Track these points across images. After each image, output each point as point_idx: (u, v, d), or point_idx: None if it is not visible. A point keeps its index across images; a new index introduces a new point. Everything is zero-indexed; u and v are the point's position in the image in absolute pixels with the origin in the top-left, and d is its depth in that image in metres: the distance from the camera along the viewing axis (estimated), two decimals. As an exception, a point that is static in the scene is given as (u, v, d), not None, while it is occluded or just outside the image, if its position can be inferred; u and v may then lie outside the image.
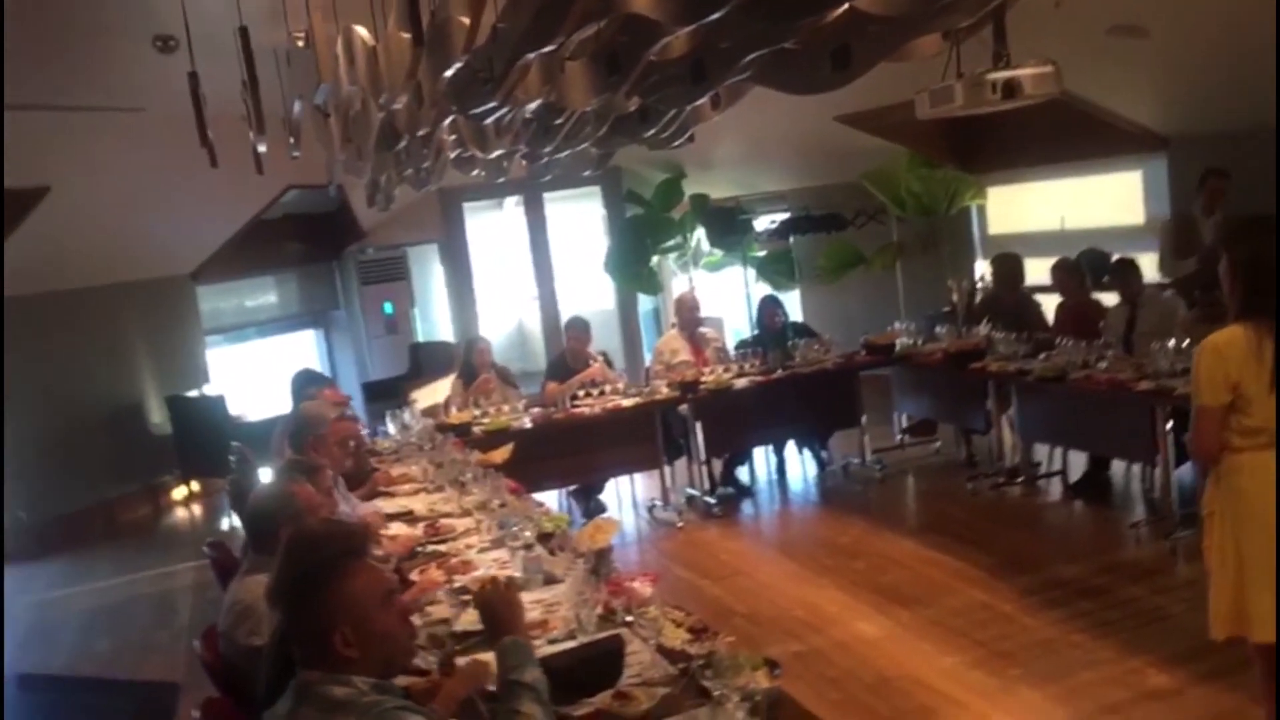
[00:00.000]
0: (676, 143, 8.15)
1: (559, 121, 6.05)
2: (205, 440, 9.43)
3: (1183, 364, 5.76)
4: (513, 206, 14.02)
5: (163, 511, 9.85)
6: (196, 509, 9.90)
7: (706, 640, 3.07)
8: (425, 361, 11.41)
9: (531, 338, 14.22)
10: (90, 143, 7.52)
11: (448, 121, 5.48)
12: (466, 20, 3.98)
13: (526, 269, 13.16)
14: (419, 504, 5.08)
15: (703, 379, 7.40)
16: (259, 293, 12.01)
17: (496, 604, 2.49)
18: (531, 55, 4.06)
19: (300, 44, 4.82)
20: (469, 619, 3.28)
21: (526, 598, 3.62)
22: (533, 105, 5.62)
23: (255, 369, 11.46)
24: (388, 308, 12.28)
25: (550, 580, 3.78)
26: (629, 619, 3.29)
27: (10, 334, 8.51)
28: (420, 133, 5.33)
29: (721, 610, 5.58)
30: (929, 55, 4.89)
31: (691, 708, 2.71)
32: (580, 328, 7.86)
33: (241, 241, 10.58)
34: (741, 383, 7.47)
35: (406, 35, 4.13)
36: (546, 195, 12.67)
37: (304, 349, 12.41)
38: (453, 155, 6.54)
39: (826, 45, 4.74)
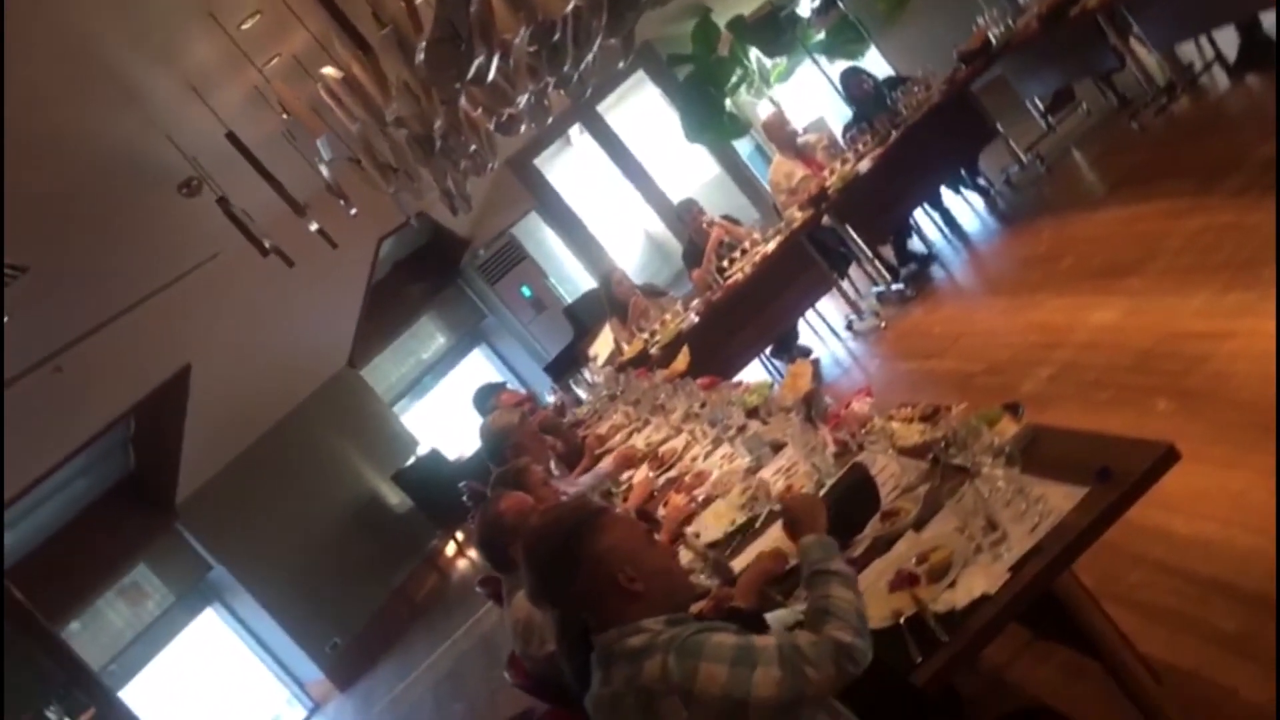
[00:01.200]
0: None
1: (557, 38, 5.88)
2: (442, 494, 9.77)
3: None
4: (579, 135, 13.83)
5: (446, 572, 10.32)
6: (471, 554, 10.32)
7: (941, 420, 2.93)
8: (585, 317, 11.41)
9: (665, 242, 14.08)
10: (194, 307, 7.80)
11: (463, 101, 5.40)
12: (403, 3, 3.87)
13: (624, 184, 12.98)
14: (637, 445, 5.07)
15: (827, 184, 7.11)
16: (414, 345, 12.33)
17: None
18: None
19: (285, 116, 4.80)
20: (713, 522, 3.26)
21: (765, 473, 3.56)
22: (523, 37, 5.49)
23: (449, 409, 11.79)
24: (526, 291, 12.36)
25: (779, 447, 3.70)
26: (861, 443, 3.17)
27: (246, 493, 9.03)
28: (437, 124, 5.26)
29: (960, 379, 5.37)
30: None
31: (954, 490, 2.59)
32: (686, 208, 7.69)
33: (372, 310, 10.84)
34: (865, 165, 7.12)
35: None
36: (600, 108, 12.42)
37: (478, 368, 12.69)
38: (492, 126, 6.45)
39: None
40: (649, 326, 7.11)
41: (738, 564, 3.03)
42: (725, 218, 7.81)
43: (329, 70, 4.65)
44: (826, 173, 7.26)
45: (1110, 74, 7.25)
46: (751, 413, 4.01)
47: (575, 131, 13.69)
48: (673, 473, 4.26)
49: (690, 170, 12.94)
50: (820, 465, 3.13)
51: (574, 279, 13.08)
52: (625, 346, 7.23)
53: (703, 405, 4.44)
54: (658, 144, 13.11)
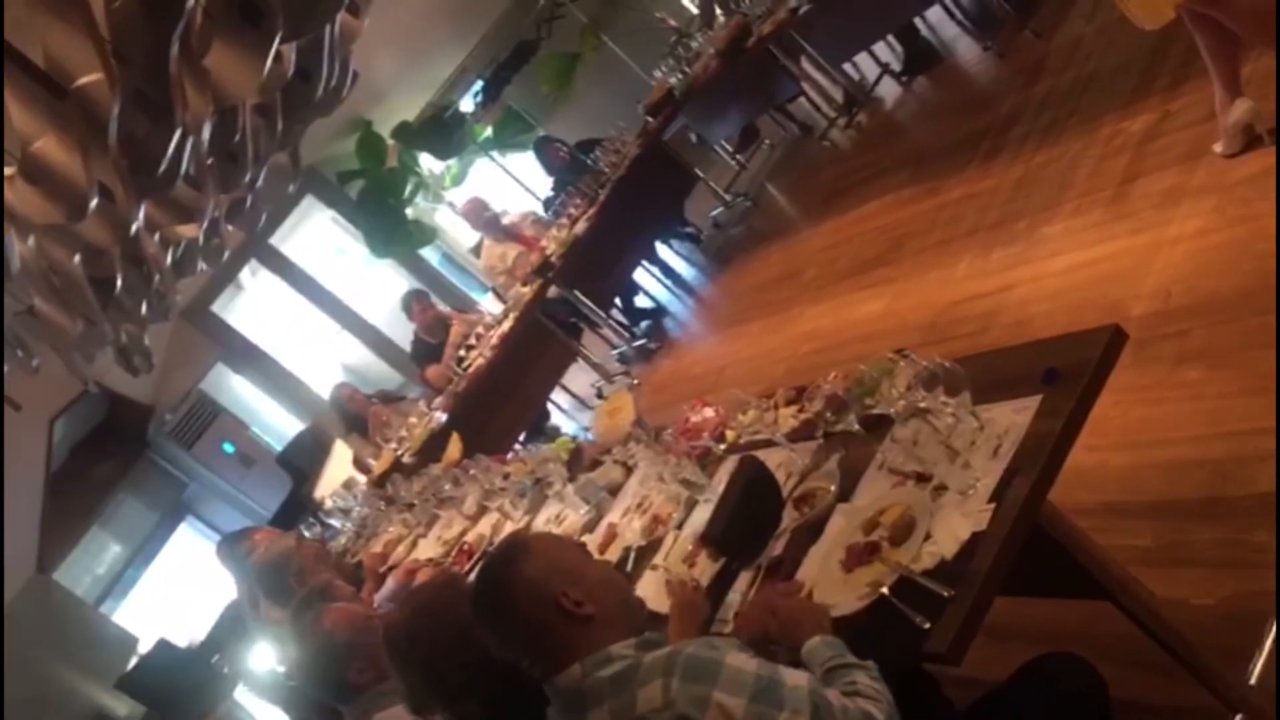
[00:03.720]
0: (346, 88, 7.46)
1: (238, 138, 5.32)
2: (179, 689, 8.53)
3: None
4: (251, 277, 13.01)
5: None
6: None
7: (812, 395, 2.64)
8: (301, 461, 10.53)
9: (368, 367, 13.40)
10: None
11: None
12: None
13: (314, 313, 12.23)
14: (431, 550, 4.49)
15: (548, 252, 6.86)
16: (111, 532, 10.92)
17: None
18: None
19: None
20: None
21: (613, 517, 3.15)
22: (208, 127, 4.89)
23: (165, 594, 10.56)
24: (228, 448, 11.28)
25: (616, 489, 3.30)
26: (726, 445, 2.85)
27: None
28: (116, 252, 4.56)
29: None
30: None
31: (871, 452, 2.30)
32: (412, 300, 7.22)
33: (55, 503, 9.47)
34: (582, 227, 6.95)
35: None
36: (274, 240, 11.69)
37: (191, 548, 11.41)
38: (169, 260, 5.74)
39: None
40: (395, 435, 6.53)
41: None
42: (457, 309, 7.39)
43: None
44: (545, 242, 7.02)
45: (790, 102, 7.49)
46: (571, 463, 3.60)
47: (247, 274, 12.87)
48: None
49: (382, 288, 12.41)
50: (691, 479, 2.75)
51: (279, 425, 12.12)
52: (373, 463, 6.59)
53: (506, 477, 3.97)
54: (343, 268, 12.53)
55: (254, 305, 12.97)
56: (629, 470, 3.28)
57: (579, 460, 3.62)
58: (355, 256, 12.01)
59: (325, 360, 13.27)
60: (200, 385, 11.48)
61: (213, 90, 4.32)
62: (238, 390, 12.08)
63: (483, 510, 4.17)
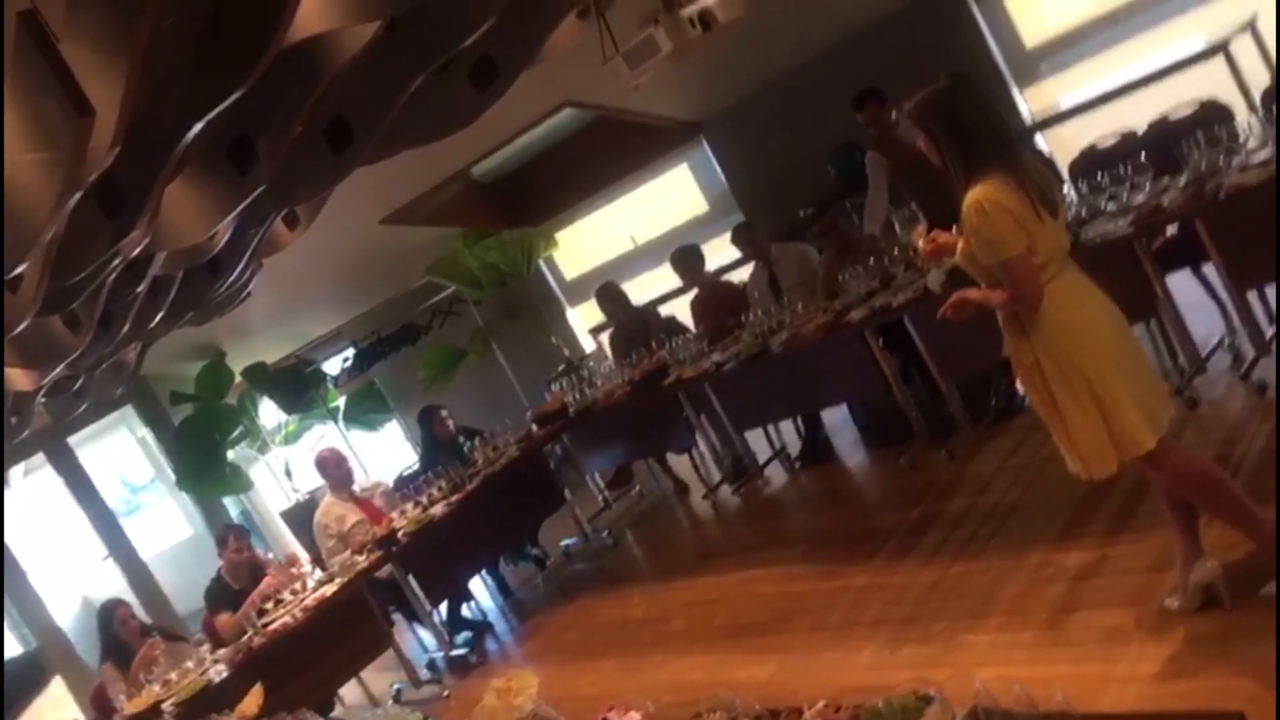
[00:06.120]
0: (242, 296, 7.07)
1: (140, 289, 4.85)
2: None
3: (870, 285, 5.73)
4: (21, 479, 11.71)
5: None
6: None
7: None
8: (11, 689, 9.03)
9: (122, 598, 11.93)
10: None
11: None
12: None
13: (86, 530, 10.90)
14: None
15: (396, 526, 6.32)
16: None
17: None
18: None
19: None
20: None
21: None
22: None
23: None
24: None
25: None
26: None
27: None
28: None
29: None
30: (571, 45, 4.39)
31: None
32: (229, 535, 6.46)
33: None
34: (439, 510, 6.48)
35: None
36: (73, 440, 10.62)
37: None
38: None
39: (462, 67, 4.09)
40: (159, 678, 5.58)
41: None
42: (277, 563, 6.62)
43: None
44: (396, 514, 6.49)
45: (679, 453, 7.41)
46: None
47: (18, 473, 11.62)
48: None
49: (165, 526, 11.33)
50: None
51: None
52: (122, 700, 5.56)
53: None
54: (131, 495, 11.46)
55: (26, 498, 11.62)
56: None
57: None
58: (149, 487, 11.03)
59: (71, 586, 11.78)
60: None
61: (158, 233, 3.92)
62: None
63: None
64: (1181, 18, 6.87)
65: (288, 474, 11.24)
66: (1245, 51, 6.24)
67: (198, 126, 2.92)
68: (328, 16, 2.69)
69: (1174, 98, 5.78)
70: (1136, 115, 5.87)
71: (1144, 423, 3.17)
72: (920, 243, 3.48)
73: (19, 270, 3.02)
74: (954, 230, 3.40)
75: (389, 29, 3.30)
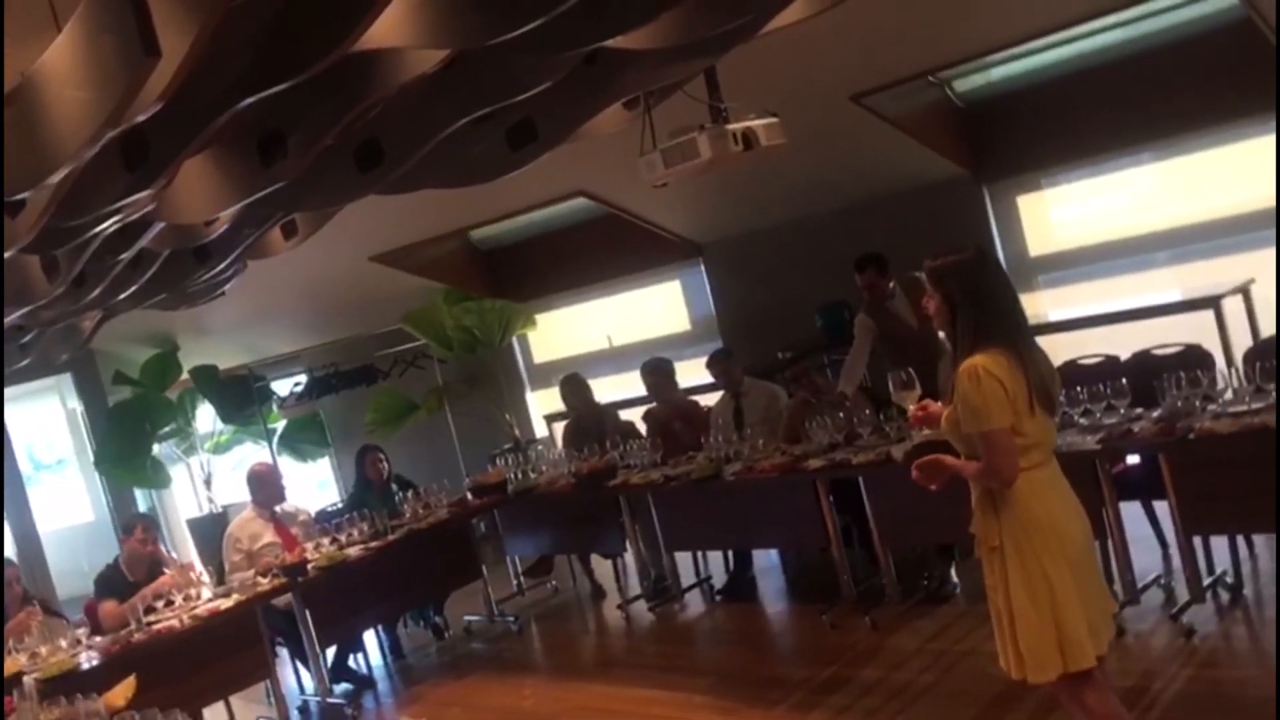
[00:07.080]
0: (221, 290, 7.00)
1: (124, 255, 4.80)
2: None
3: (835, 438, 5.75)
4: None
5: None
6: None
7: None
8: None
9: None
10: None
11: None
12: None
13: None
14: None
15: (309, 556, 6.17)
16: None
17: None
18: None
19: None
20: None
21: None
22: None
23: None
24: None
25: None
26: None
27: None
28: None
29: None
30: (611, 131, 4.47)
31: None
32: (137, 523, 6.27)
33: None
34: (355, 552, 6.34)
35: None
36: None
37: None
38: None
39: (503, 123, 4.15)
40: (29, 648, 5.35)
41: None
42: (179, 564, 6.41)
43: None
44: (311, 546, 6.32)
45: (606, 556, 7.33)
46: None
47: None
48: None
49: (69, 503, 10.99)
50: None
51: None
52: (-16, 662, 5.31)
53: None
54: (41, 465, 11.14)
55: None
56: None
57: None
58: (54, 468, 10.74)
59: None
60: None
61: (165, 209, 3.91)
62: None
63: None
64: (1181, 266, 7.11)
65: (207, 482, 10.99)
66: (1234, 310, 6.43)
67: (242, 104, 2.94)
68: (402, 33, 2.73)
69: (1157, 335, 5.93)
70: (1116, 343, 6.01)
71: (1089, 637, 3.16)
72: (911, 407, 3.50)
73: (24, 195, 2.98)
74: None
75: (447, 65, 3.36)
